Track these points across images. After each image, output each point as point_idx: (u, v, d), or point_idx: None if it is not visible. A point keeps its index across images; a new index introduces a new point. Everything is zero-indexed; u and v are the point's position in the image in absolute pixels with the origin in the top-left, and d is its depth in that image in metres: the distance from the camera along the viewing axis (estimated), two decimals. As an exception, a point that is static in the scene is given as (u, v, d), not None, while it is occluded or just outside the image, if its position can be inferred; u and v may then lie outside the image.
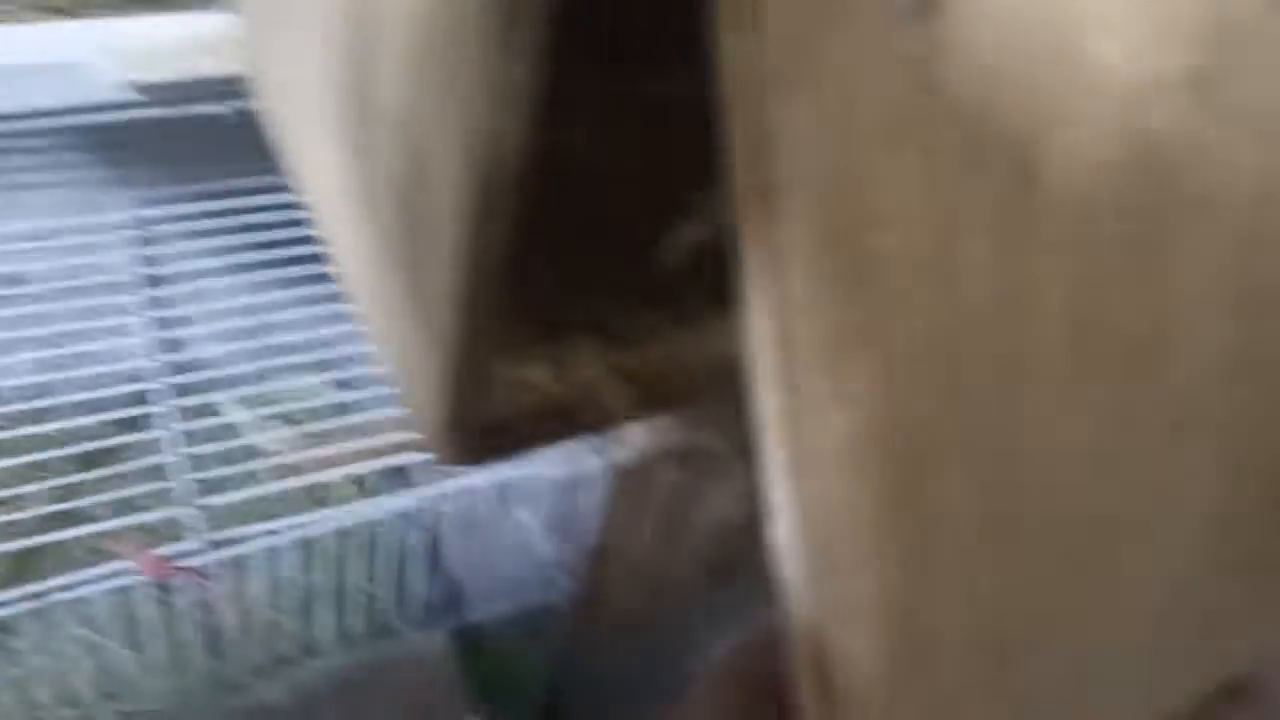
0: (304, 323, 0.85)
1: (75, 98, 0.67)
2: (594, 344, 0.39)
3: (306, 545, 0.75)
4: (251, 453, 0.85)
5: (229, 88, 0.70)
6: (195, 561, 0.67)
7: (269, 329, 0.86)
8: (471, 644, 0.98)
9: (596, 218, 0.42)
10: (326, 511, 0.73)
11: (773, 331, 0.20)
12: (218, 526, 0.70)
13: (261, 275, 0.87)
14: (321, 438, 0.84)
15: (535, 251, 0.41)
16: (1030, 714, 0.25)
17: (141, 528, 0.72)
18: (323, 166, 0.41)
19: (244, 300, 0.85)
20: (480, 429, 0.37)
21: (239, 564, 0.72)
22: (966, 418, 0.22)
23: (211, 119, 0.71)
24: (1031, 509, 0.24)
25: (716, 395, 0.40)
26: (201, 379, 0.80)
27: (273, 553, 0.72)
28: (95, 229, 0.86)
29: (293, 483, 0.74)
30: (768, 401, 0.21)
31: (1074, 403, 0.24)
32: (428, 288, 0.31)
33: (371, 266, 0.37)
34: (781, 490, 0.21)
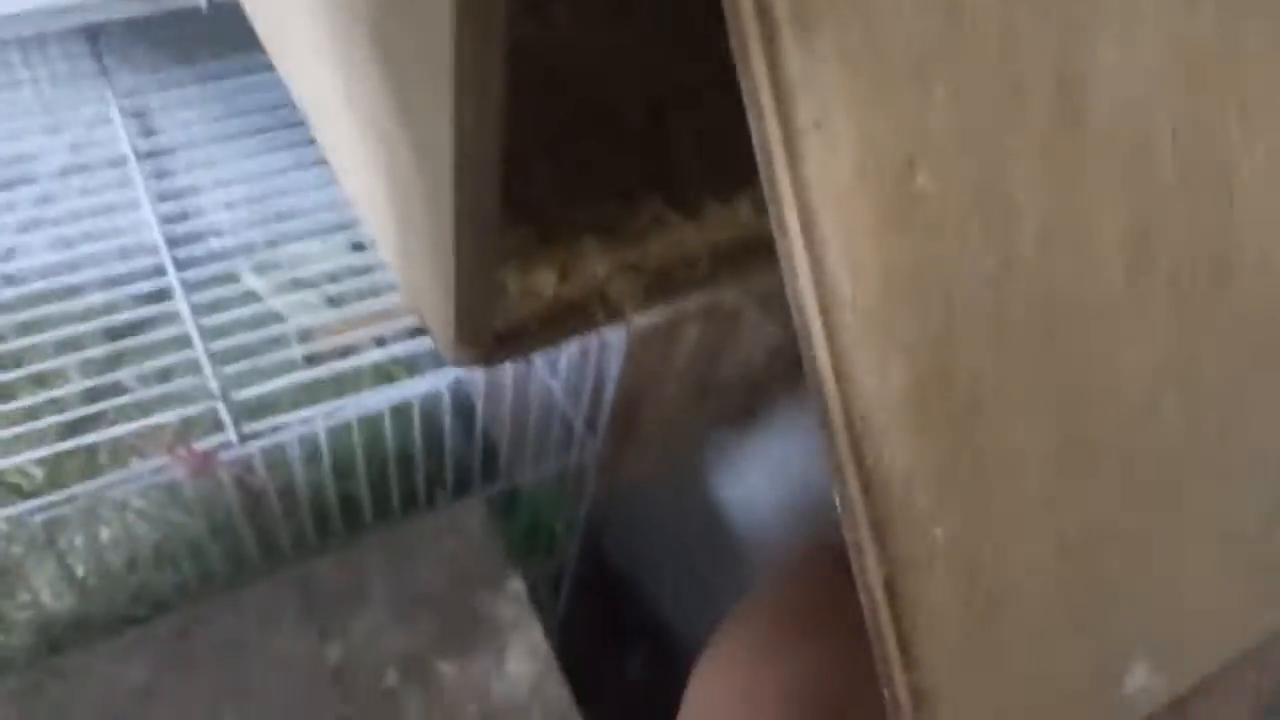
0: (329, 204, 0.84)
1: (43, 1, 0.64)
2: (599, 242, 0.38)
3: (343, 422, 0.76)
4: (282, 340, 0.85)
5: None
6: (231, 454, 0.68)
7: (292, 213, 0.84)
8: (507, 508, 1.01)
9: (594, 110, 0.40)
10: (359, 396, 0.74)
11: (816, 294, 0.19)
12: (251, 417, 0.71)
13: (274, 159, 0.85)
14: (352, 320, 0.83)
15: (534, 149, 0.39)
16: (1117, 651, 0.25)
17: (175, 423, 0.73)
18: (309, 62, 0.39)
19: (267, 185, 0.84)
20: (494, 336, 0.37)
21: (276, 445, 0.74)
22: (1026, 358, 0.21)
23: (189, 12, 0.68)
24: (1106, 446, 0.23)
25: (722, 282, 0.39)
26: (221, 269, 0.80)
27: (309, 435, 0.74)
28: (92, 120, 0.84)
29: (325, 370, 0.75)
30: (820, 362, 0.20)
31: (1138, 333, 0.23)
32: (426, 194, 0.29)
33: (370, 175, 0.36)
34: (841, 450, 0.20)
